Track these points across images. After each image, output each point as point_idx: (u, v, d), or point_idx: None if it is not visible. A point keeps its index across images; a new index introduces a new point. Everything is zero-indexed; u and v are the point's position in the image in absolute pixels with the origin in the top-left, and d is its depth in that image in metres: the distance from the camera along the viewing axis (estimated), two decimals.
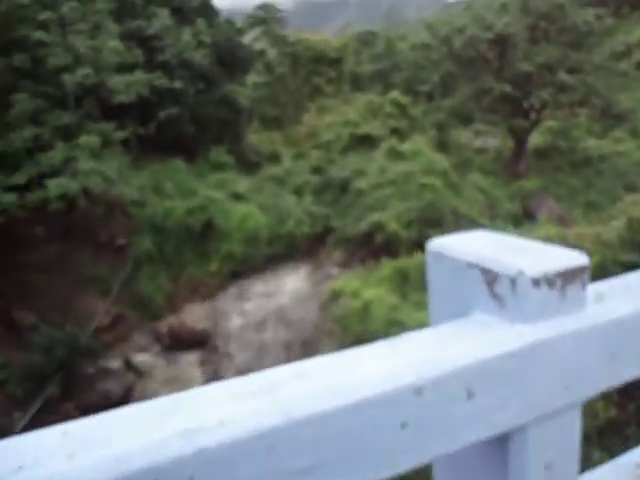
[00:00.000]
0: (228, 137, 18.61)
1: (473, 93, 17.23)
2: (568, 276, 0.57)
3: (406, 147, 16.72)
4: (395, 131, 20.27)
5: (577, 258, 0.58)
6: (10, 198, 9.09)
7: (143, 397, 9.99)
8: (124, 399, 9.78)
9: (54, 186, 9.22)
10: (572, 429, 0.59)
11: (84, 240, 12.33)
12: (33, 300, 10.92)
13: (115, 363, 10.53)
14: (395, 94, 20.89)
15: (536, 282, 0.54)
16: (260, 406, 0.44)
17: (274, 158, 20.11)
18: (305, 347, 10.86)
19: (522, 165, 17.77)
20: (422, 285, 9.81)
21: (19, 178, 9.42)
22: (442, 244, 0.63)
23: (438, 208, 13.93)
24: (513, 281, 0.55)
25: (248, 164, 19.46)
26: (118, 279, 12.12)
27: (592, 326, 0.58)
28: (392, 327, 8.47)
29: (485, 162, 18.45)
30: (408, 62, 22.95)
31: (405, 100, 20.52)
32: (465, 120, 19.02)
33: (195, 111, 16.62)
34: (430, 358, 0.51)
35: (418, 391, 0.48)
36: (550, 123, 17.66)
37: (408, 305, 9.06)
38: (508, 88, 16.10)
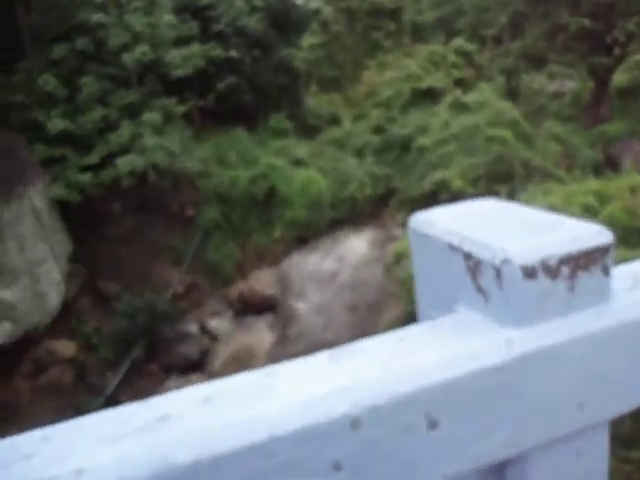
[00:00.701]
0: (287, 103, 18.51)
1: (545, 32, 15.73)
2: (580, 261, 0.43)
3: (471, 98, 15.73)
4: (460, 82, 19.11)
5: (595, 235, 0.44)
6: (86, 177, 9.71)
7: (217, 359, 10.59)
8: (200, 361, 10.45)
9: (123, 163, 9.71)
10: (594, 456, 0.47)
11: (156, 213, 12.98)
12: (115, 271, 11.77)
13: (191, 328, 11.20)
14: (459, 41, 19.59)
15: (529, 271, 0.42)
16: (135, 448, 0.34)
17: (334, 121, 19.79)
18: (370, 310, 10.90)
19: (604, 108, 16.14)
20: None
21: (92, 158, 10.00)
22: (426, 220, 0.51)
23: (507, 161, 13.10)
24: (498, 271, 0.43)
25: (308, 129, 19.33)
26: (190, 248, 12.72)
27: (618, 324, 0.45)
28: None
29: (561, 108, 16.96)
30: (472, 5, 21.29)
31: (470, 47, 19.19)
32: (537, 63, 17.48)
33: (253, 79, 16.62)
34: (377, 377, 0.40)
35: (355, 423, 0.37)
36: (637, 57, 15.78)
37: None
38: (586, 22, 14.50)
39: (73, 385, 9.79)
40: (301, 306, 11.68)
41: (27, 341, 9.15)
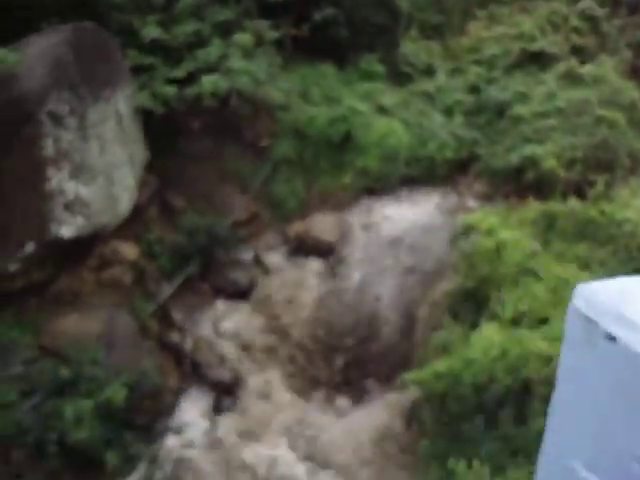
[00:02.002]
0: (382, 44, 17.48)
1: None
2: None
3: (587, 70, 14.09)
4: (578, 50, 17.11)
5: None
6: (171, 90, 9.74)
7: (266, 290, 10.81)
8: (249, 289, 10.71)
9: (207, 82, 9.63)
10: None
11: (232, 138, 13.00)
12: (184, 187, 12.07)
13: (246, 256, 11.41)
14: (587, 3, 17.36)
15: None
16: None
17: (428, 71, 18.55)
18: (426, 277, 10.58)
19: None
20: (570, 236, 8.62)
21: (179, 72, 9.98)
22: (598, 302, 0.41)
23: (612, 149, 11.80)
24: None
25: (399, 75, 18.28)
26: (258, 178, 12.74)
27: None
28: (524, 275, 7.71)
29: None
30: None
31: (599, 11, 16.97)
32: None
33: (351, 13, 15.72)
34: None
35: None
36: None
37: (548, 255, 8.08)
38: None
39: (131, 286, 10.40)
40: (356, 257, 11.54)
41: (96, 238, 9.72)
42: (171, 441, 8.43)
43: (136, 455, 7.82)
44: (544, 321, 6.82)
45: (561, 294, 7.14)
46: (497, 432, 5.88)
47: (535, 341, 6.20)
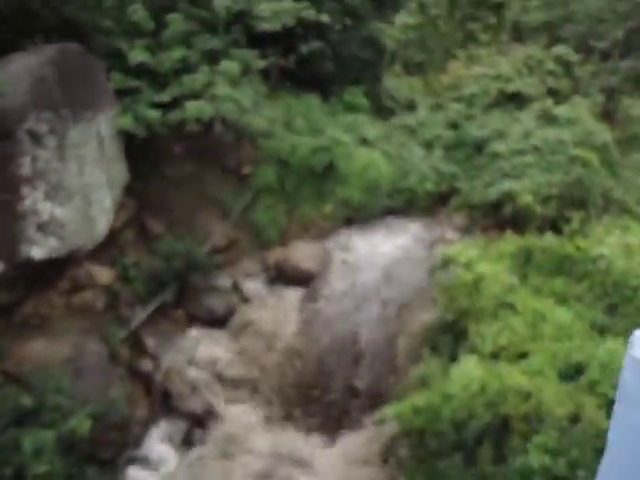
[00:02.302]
0: (366, 79, 17.92)
1: None
2: None
3: (562, 111, 14.65)
4: (553, 92, 17.85)
5: None
6: (155, 114, 9.71)
7: (242, 318, 10.59)
8: (225, 317, 10.48)
9: (191, 107, 9.64)
10: None
11: (213, 164, 12.98)
12: (163, 211, 11.91)
13: (223, 283, 11.22)
14: (562, 49, 18.23)
15: None
16: None
17: (410, 106, 19.05)
18: (405, 308, 10.54)
19: None
20: (547, 270, 8.73)
21: (164, 96, 9.98)
22: None
23: (586, 187, 12.17)
24: None
25: (382, 109, 18.70)
26: (238, 205, 12.68)
27: None
28: (502, 309, 7.73)
29: None
30: (586, 13, 19.68)
31: (573, 57, 17.81)
32: None
33: (338, 48, 16.12)
34: None
35: None
36: None
37: (526, 289, 8.15)
38: None
39: (103, 311, 10.06)
40: (334, 287, 11.46)
41: (69, 261, 9.43)
42: (137, 475, 8.02)
43: None
44: (523, 355, 6.80)
45: (539, 328, 7.16)
46: (476, 469, 5.75)
47: (514, 376, 6.16)
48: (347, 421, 9.06)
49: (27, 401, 7.63)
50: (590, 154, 12.63)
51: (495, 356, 6.99)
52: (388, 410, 6.75)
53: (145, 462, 8.21)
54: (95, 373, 8.49)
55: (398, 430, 6.76)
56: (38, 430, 7.32)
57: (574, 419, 5.56)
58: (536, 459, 5.00)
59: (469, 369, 6.42)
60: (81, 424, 7.38)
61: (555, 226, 10.86)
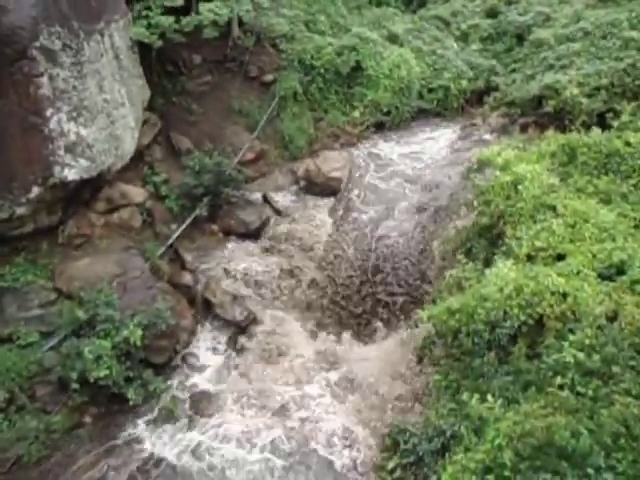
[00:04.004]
0: None
1: None
2: None
3: None
4: None
5: None
6: (168, 20, 9.16)
7: (275, 230, 10.70)
8: (259, 229, 10.61)
9: (206, 10, 9.00)
10: None
11: (235, 73, 12.42)
12: (188, 127, 11.70)
13: (255, 196, 11.22)
14: None
15: None
16: None
17: None
18: (440, 213, 10.33)
19: None
20: (591, 169, 8.20)
21: (176, 0, 9.32)
22: None
23: None
24: None
25: None
26: (263, 115, 12.28)
27: None
28: (541, 211, 7.43)
29: None
30: None
31: None
32: None
33: None
34: None
35: None
36: None
37: (567, 189, 7.75)
38: None
39: (141, 229, 10.34)
40: (365, 195, 11.29)
41: (102, 181, 9.54)
42: (189, 377, 8.69)
43: (156, 391, 8.08)
44: (562, 257, 6.63)
45: (580, 229, 6.89)
46: (509, 367, 5.89)
47: (551, 277, 6.05)
48: (383, 326, 9.35)
49: (81, 315, 8.16)
50: None
51: (532, 258, 6.84)
52: (423, 312, 6.86)
53: (194, 366, 8.84)
54: (139, 288, 8.92)
55: (432, 331, 6.90)
56: (94, 340, 7.90)
57: (612, 318, 5.49)
58: (570, 355, 5.03)
59: (505, 271, 6.33)
60: (133, 333, 7.91)
61: (603, 121, 10.05)
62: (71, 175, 8.47)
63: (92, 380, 7.61)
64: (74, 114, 8.41)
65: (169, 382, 8.45)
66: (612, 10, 12.09)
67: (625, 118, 8.67)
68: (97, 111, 8.80)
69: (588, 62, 11.35)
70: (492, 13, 14.99)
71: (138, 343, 7.93)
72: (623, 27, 11.38)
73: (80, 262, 9.14)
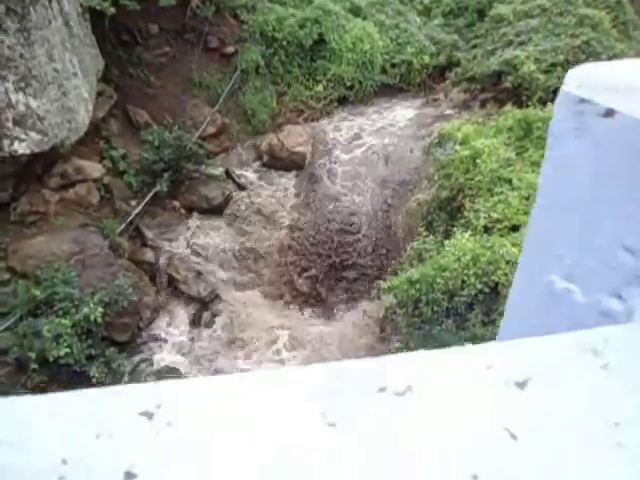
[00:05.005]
0: None
1: None
2: None
3: None
4: None
5: None
6: None
7: (239, 205, 10.62)
8: (221, 205, 10.49)
9: None
10: None
11: (194, 44, 12.03)
12: (146, 99, 11.31)
13: (217, 171, 11.04)
14: None
15: None
16: None
17: None
18: (401, 187, 10.49)
19: None
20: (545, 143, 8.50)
21: None
22: (593, 80, 0.43)
23: (595, 52, 11.38)
24: None
25: None
26: (225, 88, 12.00)
27: None
28: (498, 184, 7.67)
29: None
30: None
31: None
32: None
33: None
34: None
35: None
36: None
37: (523, 163, 8.01)
38: None
39: (98, 205, 10.04)
40: (331, 169, 11.30)
41: (55, 155, 9.16)
42: (153, 354, 8.64)
43: (120, 368, 8.01)
44: (516, 228, 6.90)
45: (534, 201, 7.17)
46: (466, 333, 6.16)
47: (506, 247, 6.31)
48: (347, 298, 9.52)
49: (38, 293, 7.94)
50: (601, 13, 11.62)
51: (488, 230, 7.09)
52: (385, 284, 7.03)
53: (158, 342, 8.79)
54: (99, 265, 8.71)
55: (394, 302, 7.10)
56: (53, 318, 7.72)
57: None
58: None
59: (462, 242, 6.54)
60: (93, 311, 7.76)
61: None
62: (21, 149, 8.10)
63: (52, 359, 7.47)
64: (22, 84, 8.00)
65: (133, 359, 8.38)
66: None
67: None
68: (47, 81, 8.39)
69: (545, 39, 11.59)
70: None
71: (99, 321, 7.80)
72: (578, 4, 11.64)
73: (34, 240, 8.83)
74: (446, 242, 7.09)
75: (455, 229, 7.48)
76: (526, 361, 0.41)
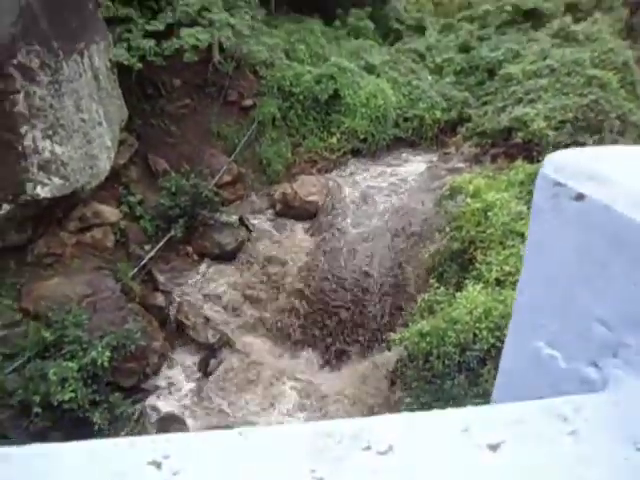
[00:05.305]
0: None
1: None
2: None
3: (581, 28, 13.74)
4: (572, 7, 16.68)
5: None
6: (148, 43, 9.29)
7: (251, 252, 10.70)
8: (234, 252, 10.59)
9: (187, 35, 9.18)
10: None
11: (214, 97, 12.57)
12: (166, 148, 11.73)
13: (231, 218, 11.23)
14: None
15: None
16: None
17: (418, 28, 18.03)
18: (414, 238, 10.51)
19: None
20: None
21: (158, 24, 9.48)
22: (567, 165, 0.48)
23: (603, 110, 11.62)
24: None
25: (388, 33, 17.73)
26: (242, 139, 12.41)
27: None
28: (510, 237, 7.67)
29: None
30: None
31: None
32: None
33: None
34: None
35: None
36: None
37: None
38: None
39: (114, 249, 10.20)
40: (344, 220, 11.42)
41: (75, 199, 9.43)
42: (158, 401, 8.47)
43: (123, 415, 7.85)
44: None
45: None
46: (478, 389, 5.97)
47: None
48: (357, 349, 9.35)
49: (48, 335, 7.94)
50: (608, 74, 11.96)
51: (500, 283, 7.02)
52: (396, 335, 6.92)
53: (164, 388, 8.64)
54: (110, 309, 8.75)
55: (404, 355, 6.96)
56: (61, 361, 7.67)
57: None
58: None
59: (475, 295, 6.47)
60: (101, 355, 7.71)
61: None
62: (44, 193, 8.37)
63: (56, 404, 7.36)
64: (49, 132, 8.37)
65: (137, 406, 8.23)
66: (576, 49, 12.78)
67: None
68: (73, 130, 8.78)
69: (554, 97, 11.89)
70: (465, 48, 15.63)
71: (106, 365, 7.73)
72: (586, 65, 12.01)
73: (49, 282, 8.93)
74: (457, 294, 7.02)
75: (467, 281, 7.42)
76: (500, 425, 0.43)
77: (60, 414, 7.51)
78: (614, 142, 10.98)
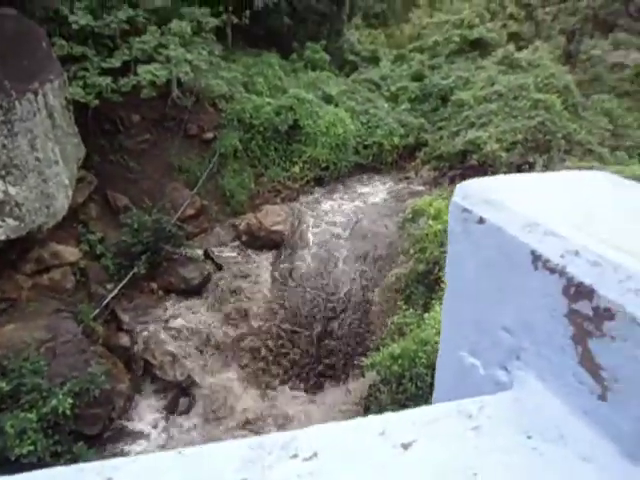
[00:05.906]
0: (326, 33, 17.41)
1: None
2: None
3: (524, 55, 14.58)
4: (515, 36, 17.74)
5: None
6: (105, 81, 9.23)
7: (217, 285, 10.54)
8: (200, 287, 10.41)
9: (144, 72, 9.19)
10: None
11: (174, 131, 12.55)
12: (126, 184, 11.55)
13: (195, 252, 11.07)
14: None
15: None
16: None
17: (373, 59, 18.69)
18: (378, 262, 10.63)
19: None
20: None
21: (114, 61, 9.47)
22: (472, 194, 0.54)
23: (550, 131, 12.27)
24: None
25: (344, 64, 18.29)
26: (204, 172, 12.38)
27: None
28: None
29: (620, 81, 15.70)
30: None
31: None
32: (604, 28, 16.03)
33: (293, 1, 15.53)
34: None
35: None
36: None
37: None
38: None
39: (73, 290, 9.84)
40: (309, 248, 11.45)
41: (31, 241, 9.11)
42: (125, 447, 8.07)
43: None
44: None
45: None
46: None
47: None
48: (328, 376, 9.25)
49: (4, 385, 7.50)
50: (552, 97, 12.68)
51: None
52: (367, 360, 6.89)
53: (131, 433, 8.26)
54: (71, 353, 8.37)
55: (377, 378, 6.93)
56: (18, 412, 7.25)
57: None
58: None
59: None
60: (62, 403, 7.33)
61: (520, 171, 10.99)
62: None
63: (13, 458, 6.91)
64: (2, 172, 8.12)
65: (103, 454, 7.81)
66: (520, 75, 13.52)
67: (538, 169, 9.54)
68: (28, 169, 8.55)
69: (504, 120, 12.48)
70: (418, 77, 16.28)
71: (68, 413, 7.34)
72: (531, 90, 12.71)
73: (4, 328, 8.50)
74: (426, 315, 7.10)
75: (434, 302, 7.53)
76: (414, 426, 0.50)
77: (18, 469, 7.05)
78: (562, 161, 11.57)
